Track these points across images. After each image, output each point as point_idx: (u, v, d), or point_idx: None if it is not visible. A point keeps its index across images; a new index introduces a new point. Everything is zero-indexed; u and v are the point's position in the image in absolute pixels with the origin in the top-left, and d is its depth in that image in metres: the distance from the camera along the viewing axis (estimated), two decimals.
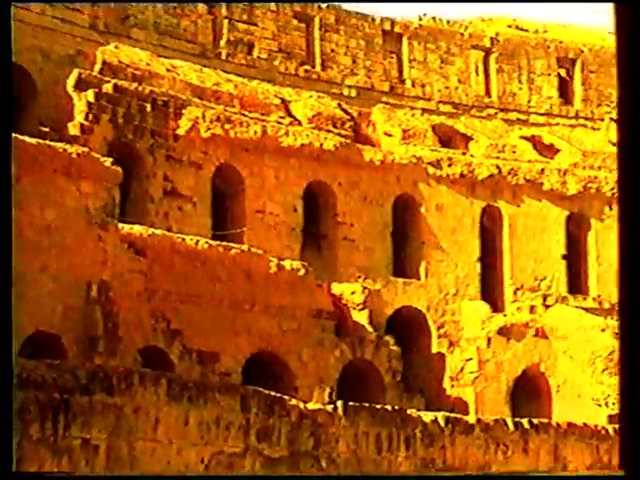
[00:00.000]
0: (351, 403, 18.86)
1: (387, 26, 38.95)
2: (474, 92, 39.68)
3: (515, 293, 35.39)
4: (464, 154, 36.45)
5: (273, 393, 17.52)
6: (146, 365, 23.00)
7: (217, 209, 31.36)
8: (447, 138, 37.37)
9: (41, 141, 24.55)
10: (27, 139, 24.08)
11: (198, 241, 27.39)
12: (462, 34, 40.36)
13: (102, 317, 23.84)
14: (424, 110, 38.11)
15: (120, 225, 25.60)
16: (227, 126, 31.55)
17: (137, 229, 26.29)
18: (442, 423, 20.52)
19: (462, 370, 32.27)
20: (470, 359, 32.27)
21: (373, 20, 38.75)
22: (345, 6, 38.50)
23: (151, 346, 25.34)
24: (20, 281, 22.46)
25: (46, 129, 28.19)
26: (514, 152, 37.10)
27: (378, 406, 20.28)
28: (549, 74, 40.65)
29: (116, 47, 32.25)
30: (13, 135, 24.31)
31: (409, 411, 20.73)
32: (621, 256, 6.09)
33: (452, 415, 21.79)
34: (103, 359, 22.94)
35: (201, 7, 35.40)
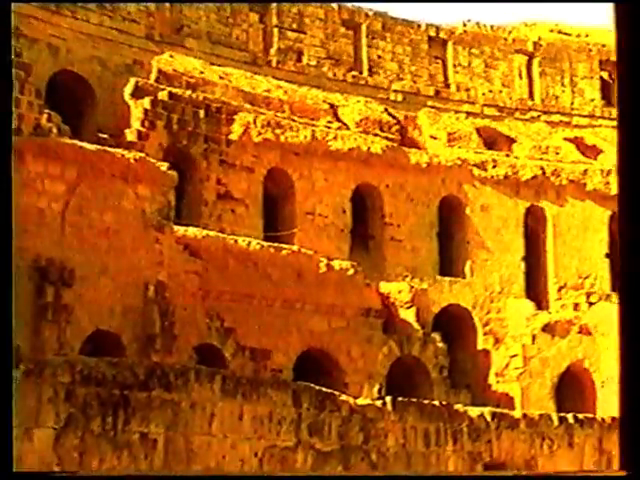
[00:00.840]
0: (399, 398, 18.85)
1: (432, 32, 38.85)
2: (517, 95, 39.46)
3: (559, 291, 35.14)
4: (508, 156, 36.26)
5: (324, 389, 17.54)
6: (201, 362, 23.13)
7: (268, 211, 31.43)
8: (491, 140, 37.21)
9: (100, 147, 24.77)
10: (86, 145, 24.31)
11: (250, 242, 27.48)
12: (506, 39, 40.16)
13: (159, 316, 24.01)
14: (468, 113, 37.97)
15: (175, 227, 25.76)
16: (277, 131, 31.64)
17: (192, 231, 26.44)
18: (488, 418, 20.46)
19: (507, 366, 32.13)
20: (515, 356, 32.13)
21: (419, 27, 38.67)
22: (391, 13, 38.50)
23: (206, 344, 25.49)
24: (81, 282, 22.72)
25: (104, 136, 28.42)
26: (557, 153, 36.85)
27: (426, 401, 20.25)
28: (591, 77, 40.31)
29: (171, 56, 32.45)
30: (73, 142, 24.58)
31: (456, 406, 20.69)
32: (621, 255, 5.97)
33: (498, 410, 21.72)
34: (160, 356, 23.10)
35: (252, 16, 35.52)
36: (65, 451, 11.92)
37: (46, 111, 26.24)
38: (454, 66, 38.97)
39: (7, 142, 6.09)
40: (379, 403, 18.34)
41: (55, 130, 25.72)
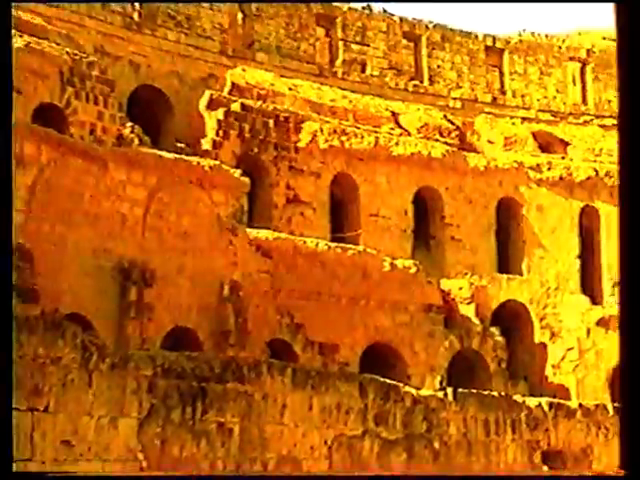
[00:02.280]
0: (460, 390, 18.78)
1: (489, 42, 38.64)
2: (571, 100, 39.08)
3: (613, 287, 34.71)
4: (563, 158, 35.92)
5: (388, 381, 17.55)
6: (273, 356, 23.26)
7: (335, 214, 31.49)
8: (546, 144, 36.87)
9: (177, 156, 25.03)
10: (165, 154, 24.58)
11: (318, 243, 27.57)
12: (560, 47, 39.78)
13: (233, 313, 24.17)
14: (524, 119, 37.68)
15: (248, 230, 25.93)
16: (343, 138, 31.68)
17: (263, 233, 26.59)
18: (546, 408, 20.30)
19: (563, 359, 31.84)
20: (571, 348, 31.83)
21: (476, 37, 38.48)
22: (450, 25, 38.34)
23: (277, 339, 25.60)
24: (161, 282, 22.97)
25: (182, 145, 28.70)
26: (610, 155, 36.39)
27: (485, 392, 20.16)
28: None
29: (243, 70, 32.67)
30: (153, 151, 24.86)
31: (514, 397, 20.57)
32: (621, 255, 5.81)
33: (555, 400, 21.54)
34: (235, 351, 23.25)
35: (319, 30, 35.66)
36: (148, 439, 12.08)
37: (128, 123, 26.62)
38: (510, 74, 38.72)
39: (7, 142, 5.94)
40: (441, 394, 18.30)
41: (136, 140, 26.07)
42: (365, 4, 36.94)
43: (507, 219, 34.36)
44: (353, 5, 36.79)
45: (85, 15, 30.37)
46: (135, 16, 31.81)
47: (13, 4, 22.30)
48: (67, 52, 26.00)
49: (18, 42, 24.61)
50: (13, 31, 24.90)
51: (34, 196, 20.71)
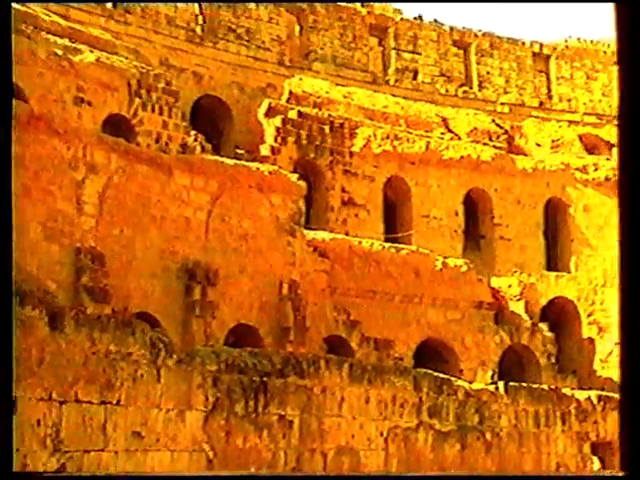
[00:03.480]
0: (511, 383, 18.65)
1: (536, 48, 38.33)
2: (616, 103, 38.64)
3: None
4: (608, 159, 35.48)
5: (441, 375, 17.48)
6: (330, 351, 23.28)
7: (388, 215, 31.44)
8: (592, 146, 36.46)
9: (238, 162, 25.15)
10: (226, 160, 24.73)
11: (372, 243, 27.55)
12: (605, 52, 39.31)
13: (292, 311, 24.22)
14: (570, 122, 37.31)
15: (306, 231, 25.98)
16: (395, 143, 31.62)
17: (320, 234, 26.63)
18: (595, 400, 20.07)
19: (611, 353, 31.44)
20: (618, 343, 31.43)
21: (523, 44, 38.20)
22: (498, 33, 38.11)
23: (334, 335, 25.62)
24: (223, 281, 23.11)
25: (242, 151, 28.86)
26: None
27: (535, 386, 19.99)
28: None
29: (300, 79, 32.77)
30: (215, 158, 25.03)
31: (564, 390, 20.35)
32: (621, 256, 5.60)
33: (603, 393, 21.28)
34: (294, 347, 23.30)
35: (372, 40, 35.66)
36: (213, 431, 12.16)
37: (191, 132, 26.82)
38: (557, 79, 38.37)
39: (7, 143, 5.84)
40: (492, 387, 18.18)
41: (199, 148, 26.27)
42: (417, 15, 36.82)
43: (555, 219, 34.03)
44: (405, 16, 36.74)
45: (151, 30, 30.69)
46: (198, 30, 32.07)
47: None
48: (134, 65, 26.27)
49: (89, 57, 24.92)
50: (84, 47, 25.24)
51: (104, 202, 20.95)
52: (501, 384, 18.37)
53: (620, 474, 5.51)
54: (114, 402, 10.60)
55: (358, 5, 36.19)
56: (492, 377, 27.18)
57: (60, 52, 24.30)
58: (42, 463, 9.47)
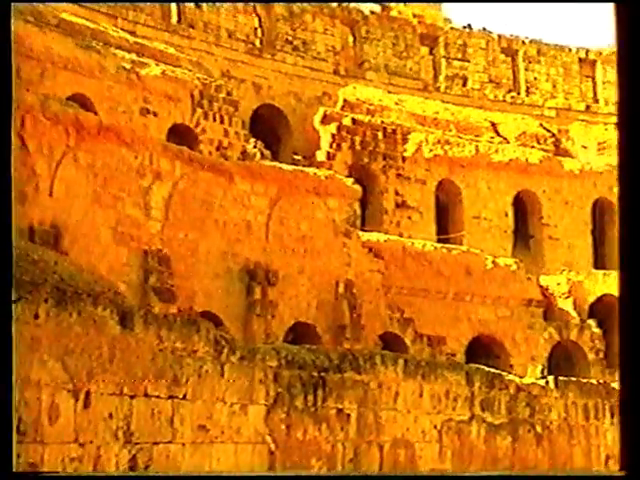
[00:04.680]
0: (561, 378, 18.43)
1: (582, 54, 37.89)
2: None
3: None
4: None
5: (493, 370, 17.34)
6: (385, 348, 23.21)
7: (440, 217, 31.30)
8: None
9: (295, 167, 25.23)
10: (284, 166, 24.82)
11: (425, 244, 27.44)
12: None
13: (348, 309, 24.21)
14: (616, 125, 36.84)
15: (361, 233, 25.96)
16: (446, 147, 31.48)
17: (375, 236, 26.58)
18: None
19: None
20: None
21: (570, 50, 37.78)
22: (545, 39, 37.75)
23: (389, 332, 25.56)
24: (282, 281, 23.18)
25: (299, 157, 28.93)
26: None
27: (584, 380, 19.73)
28: None
29: (354, 87, 32.77)
30: (273, 164, 25.12)
31: (612, 384, 20.06)
32: (621, 256, 5.38)
33: None
34: (350, 343, 23.29)
35: (423, 49, 35.56)
36: (274, 424, 12.19)
37: (251, 139, 26.97)
38: (603, 83, 37.88)
39: (7, 144, 5.76)
40: (542, 382, 17.98)
41: (259, 155, 26.41)
42: (465, 24, 36.63)
43: (602, 218, 33.58)
44: (455, 25, 36.60)
45: (213, 43, 30.92)
46: (257, 42, 32.23)
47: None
48: (197, 77, 26.50)
49: (154, 70, 25.19)
50: (150, 60, 25.51)
51: (170, 207, 21.14)
52: (551, 378, 18.16)
53: (620, 474, 5.32)
54: (181, 397, 10.68)
55: (410, 15, 36.11)
56: (542, 372, 26.90)
57: (128, 66, 24.60)
58: (114, 454, 9.58)
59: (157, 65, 25.61)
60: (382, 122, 30.87)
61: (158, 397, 10.32)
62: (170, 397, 10.51)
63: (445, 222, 31.55)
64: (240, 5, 31.81)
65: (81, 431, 9.13)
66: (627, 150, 5.23)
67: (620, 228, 5.27)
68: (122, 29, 27.93)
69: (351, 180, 26.15)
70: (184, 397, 10.72)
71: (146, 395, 10.13)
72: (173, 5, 30.72)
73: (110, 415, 9.58)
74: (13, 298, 8.30)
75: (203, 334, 11.14)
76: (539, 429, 17.26)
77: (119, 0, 28.94)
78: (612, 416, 18.80)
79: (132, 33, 28.09)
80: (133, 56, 25.41)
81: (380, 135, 30.46)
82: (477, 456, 15.62)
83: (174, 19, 30.68)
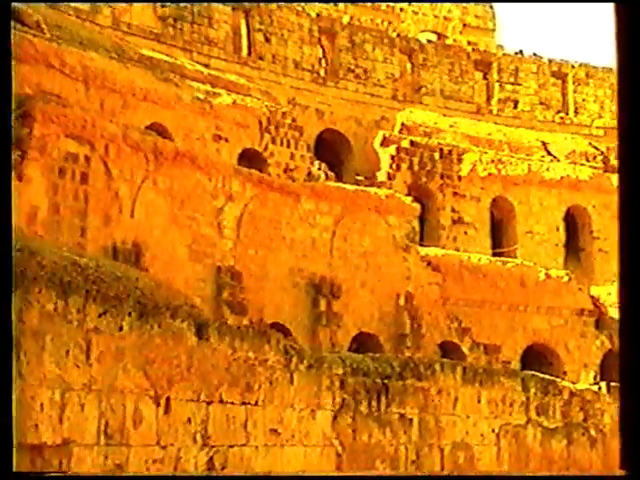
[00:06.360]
0: (613, 383, 18.09)
1: None
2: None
3: None
4: None
5: (547, 376, 17.10)
6: (443, 356, 23.02)
7: (494, 232, 31.03)
8: None
9: (358, 187, 25.24)
10: (347, 186, 24.83)
11: (480, 258, 27.20)
12: None
13: (409, 320, 24.09)
14: None
15: (419, 248, 25.83)
16: (499, 166, 31.22)
17: (433, 251, 26.44)
18: None
19: None
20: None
21: None
22: (593, 62, 37.29)
23: (447, 341, 25.35)
24: (346, 294, 23.16)
25: (361, 178, 28.94)
26: None
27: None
28: None
29: (411, 112, 32.70)
30: (337, 184, 25.15)
31: None
32: (621, 256, 5.11)
33: None
34: (411, 352, 23.15)
35: (478, 74, 35.39)
36: (341, 428, 12.17)
37: (315, 162, 27.06)
38: None
39: (7, 145, 5.62)
40: (595, 387, 17.67)
41: (323, 176, 26.47)
42: (517, 49, 36.36)
43: None
44: (507, 51, 36.39)
45: (281, 74, 31.15)
46: (321, 72, 32.39)
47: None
48: (265, 105, 26.71)
49: (226, 100, 25.47)
50: (222, 90, 25.80)
51: (241, 226, 21.30)
52: (603, 384, 17.84)
53: (620, 474, 5.10)
54: (253, 403, 10.71)
55: (464, 43, 35.99)
56: (595, 378, 26.41)
57: (202, 96, 24.90)
58: (193, 456, 9.64)
59: (228, 95, 25.88)
60: (438, 143, 30.75)
61: (232, 403, 10.37)
62: (243, 403, 10.55)
63: (499, 237, 31.26)
64: (306, 37, 31.98)
65: (162, 435, 9.21)
66: (627, 154, 5.01)
67: (620, 234, 5.07)
68: (197, 62, 28.29)
69: (410, 198, 26.06)
70: (256, 403, 10.76)
71: (221, 401, 10.18)
72: (244, 39, 31.03)
73: (189, 420, 9.64)
74: (98, 312, 8.42)
75: (273, 344, 11.17)
76: (593, 432, 16.94)
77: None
78: None
79: (206, 66, 28.44)
80: (207, 87, 25.72)
81: (437, 156, 30.34)
82: (533, 459, 15.39)
83: (244, 52, 30.99)
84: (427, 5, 40.12)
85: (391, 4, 38.79)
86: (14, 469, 5.70)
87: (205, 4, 29.83)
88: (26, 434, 7.47)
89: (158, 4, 28.66)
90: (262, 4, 31.19)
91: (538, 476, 13.65)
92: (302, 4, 32.49)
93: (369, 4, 37.87)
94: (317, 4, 34.14)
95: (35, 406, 7.58)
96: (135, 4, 28.00)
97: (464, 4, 40.54)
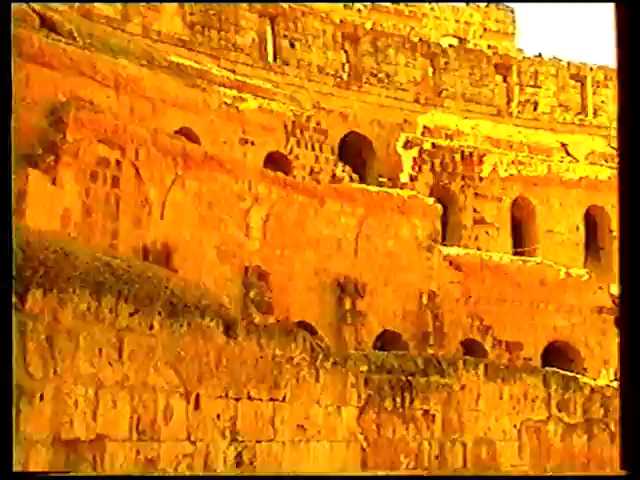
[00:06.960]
0: None
1: None
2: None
3: None
4: None
5: (568, 373, 16.98)
6: (466, 353, 22.95)
7: (515, 232, 30.88)
8: None
9: (381, 189, 25.20)
10: (371, 188, 24.80)
11: (502, 257, 27.06)
12: None
13: (432, 318, 24.03)
14: None
15: (442, 248, 25.74)
16: (520, 167, 31.06)
17: (455, 250, 26.34)
18: None
19: None
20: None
21: None
22: (612, 65, 36.96)
23: (469, 339, 25.27)
24: (370, 293, 23.13)
25: (384, 179, 28.89)
26: None
27: None
28: None
29: (432, 114, 32.61)
30: (361, 186, 25.13)
31: None
32: (621, 257, 5.00)
33: None
34: (434, 349, 23.10)
35: (497, 77, 35.25)
36: (366, 424, 12.16)
37: (339, 164, 27.04)
38: None
39: (7, 146, 5.49)
40: (615, 384, 17.52)
41: (347, 178, 26.45)
42: (536, 53, 36.17)
43: None
44: (527, 54, 36.23)
45: (305, 79, 31.18)
46: (345, 76, 32.37)
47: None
48: (290, 109, 26.74)
49: (252, 104, 25.53)
50: (249, 95, 25.86)
51: (267, 227, 21.33)
52: None
53: (620, 474, 5.00)
54: (280, 399, 10.72)
55: (485, 47, 35.83)
56: (615, 374, 26.20)
57: (229, 101, 24.97)
58: (222, 451, 9.66)
59: (255, 99, 25.93)
60: (460, 145, 30.64)
61: (260, 400, 10.39)
62: (271, 399, 10.56)
63: (520, 236, 31.09)
64: (329, 42, 31.98)
65: (192, 430, 9.24)
66: (628, 153, 4.92)
67: (620, 235, 4.99)
68: (224, 68, 28.38)
69: (432, 199, 25.99)
70: (283, 399, 10.77)
71: (249, 398, 10.20)
72: (269, 45, 31.09)
73: (218, 416, 9.67)
74: (129, 312, 8.47)
75: (300, 342, 11.18)
76: (613, 428, 16.80)
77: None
78: None
79: (233, 71, 28.51)
80: (234, 92, 25.79)
81: (458, 157, 30.23)
82: (554, 454, 15.29)
83: (270, 58, 31.05)
84: (449, 10, 39.98)
85: (414, 9, 38.70)
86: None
87: (232, 10, 29.91)
88: (61, 430, 7.52)
89: (187, 11, 28.77)
90: (287, 10, 31.22)
91: (538, 476, 13.58)
92: (326, 8, 32.48)
93: (392, 10, 37.79)
94: (340, 8, 34.11)
95: (70, 403, 7.64)
96: (164, 11, 28.12)
97: (485, 9, 40.38)
